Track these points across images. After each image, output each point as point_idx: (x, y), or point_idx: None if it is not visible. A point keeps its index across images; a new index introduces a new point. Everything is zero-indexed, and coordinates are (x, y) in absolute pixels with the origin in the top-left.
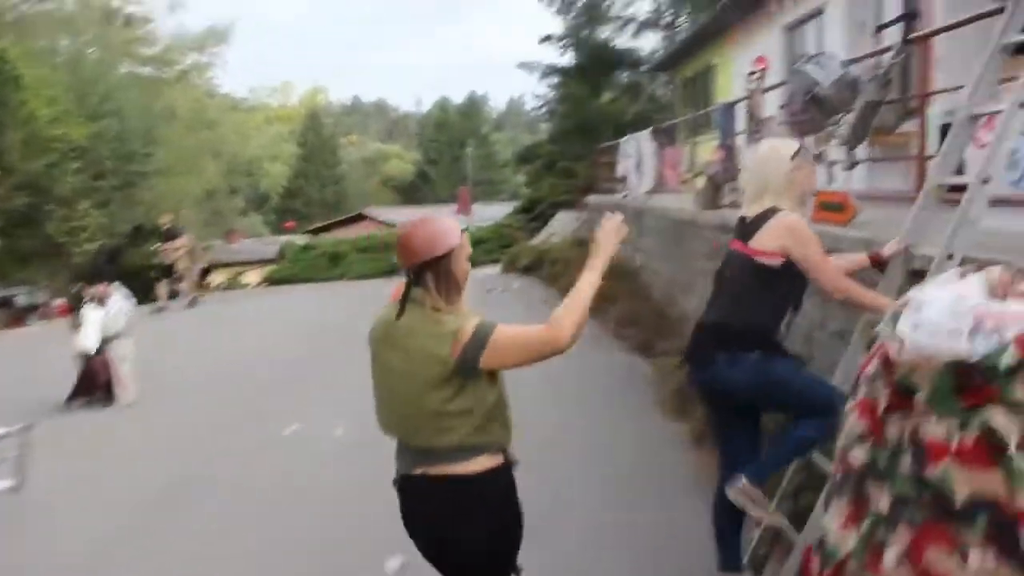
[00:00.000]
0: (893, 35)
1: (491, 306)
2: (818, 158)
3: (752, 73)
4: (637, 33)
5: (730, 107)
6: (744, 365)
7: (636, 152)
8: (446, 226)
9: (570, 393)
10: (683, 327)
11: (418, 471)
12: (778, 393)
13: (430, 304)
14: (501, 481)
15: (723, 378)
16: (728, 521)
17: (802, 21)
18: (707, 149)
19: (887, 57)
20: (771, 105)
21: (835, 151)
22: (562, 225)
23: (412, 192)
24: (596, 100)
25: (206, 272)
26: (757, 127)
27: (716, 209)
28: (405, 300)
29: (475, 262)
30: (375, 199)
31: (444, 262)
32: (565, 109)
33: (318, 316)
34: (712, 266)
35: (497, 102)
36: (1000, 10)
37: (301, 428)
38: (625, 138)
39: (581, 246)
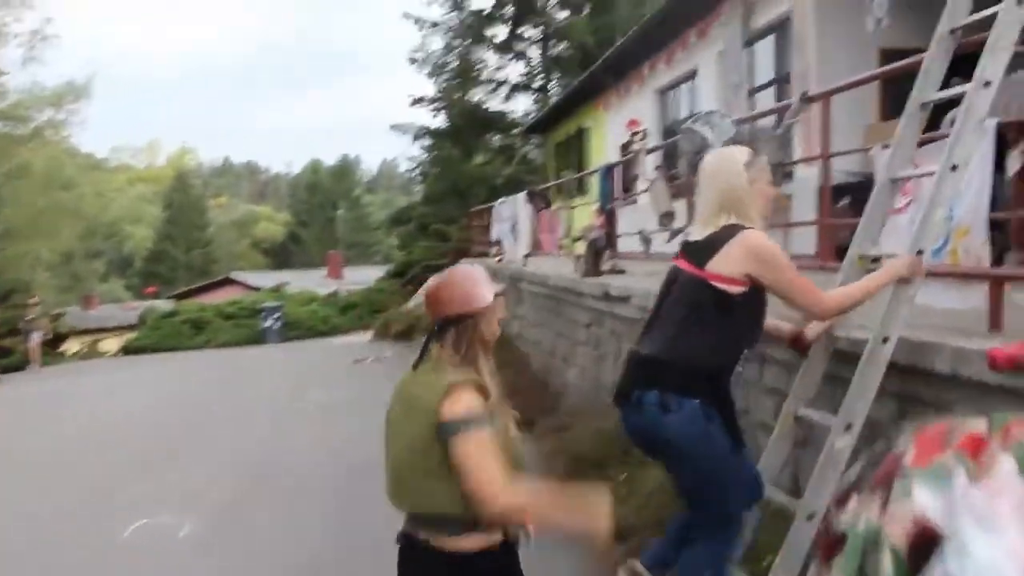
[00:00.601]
0: (765, 98)
1: (360, 378)
2: None
3: (636, 134)
4: (509, 96)
5: (610, 170)
6: (680, 413)
7: (511, 215)
8: (481, 282)
9: None
10: (565, 400)
11: (418, 535)
12: (695, 471)
13: (441, 364)
14: (497, 563)
15: (652, 423)
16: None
17: (675, 84)
18: (584, 213)
19: (786, 116)
20: (650, 166)
21: None
22: None
23: (283, 255)
24: (469, 162)
25: (55, 340)
26: (633, 189)
27: (597, 276)
28: (423, 353)
29: (345, 328)
30: (245, 262)
31: (471, 321)
32: (438, 171)
33: (177, 389)
34: (593, 335)
35: (370, 164)
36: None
37: (146, 525)
38: (499, 200)
39: None
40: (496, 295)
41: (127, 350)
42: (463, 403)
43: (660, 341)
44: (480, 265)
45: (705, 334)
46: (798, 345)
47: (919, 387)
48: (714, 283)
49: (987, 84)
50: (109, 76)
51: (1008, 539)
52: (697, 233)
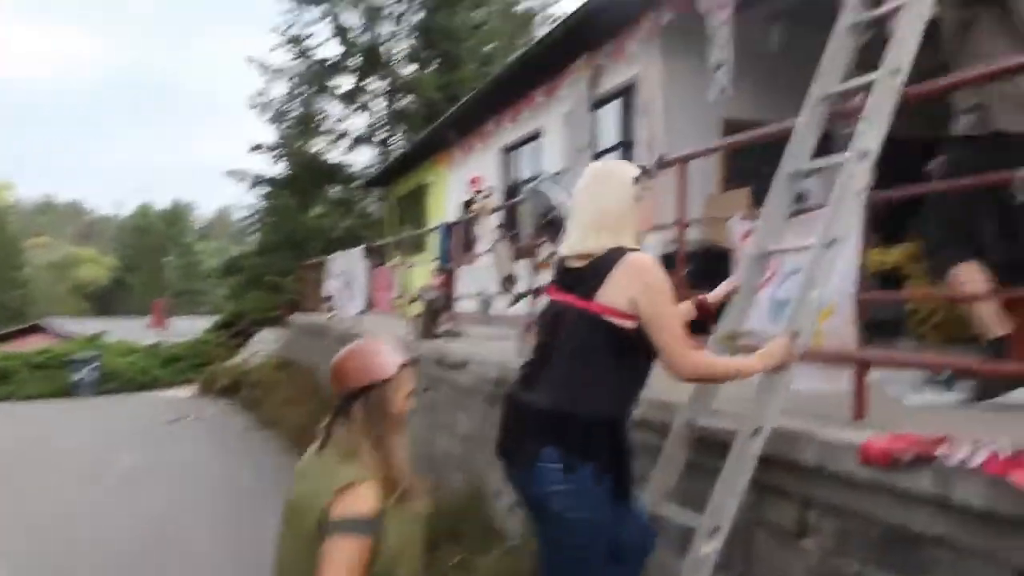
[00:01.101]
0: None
1: (177, 439)
2: None
3: (479, 192)
4: (351, 148)
5: (450, 228)
6: (577, 480)
7: (346, 270)
8: (385, 352)
9: None
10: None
11: None
12: (570, 548)
13: (346, 446)
14: None
15: (547, 486)
16: None
17: (520, 143)
18: (423, 272)
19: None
20: (493, 225)
21: None
22: (265, 344)
23: (107, 300)
24: (306, 213)
25: None
26: (475, 249)
27: (433, 339)
28: (328, 434)
29: (167, 382)
30: (65, 307)
31: (376, 394)
32: (274, 221)
33: None
34: (427, 402)
35: (205, 210)
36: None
37: None
38: (334, 255)
39: (284, 368)
40: (403, 365)
41: None
42: (357, 503)
43: (554, 389)
44: (366, 341)
45: (603, 380)
46: (705, 310)
47: (782, 479)
48: (606, 317)
49: (865, 155)
50: None
51: None
52: (570, 252)
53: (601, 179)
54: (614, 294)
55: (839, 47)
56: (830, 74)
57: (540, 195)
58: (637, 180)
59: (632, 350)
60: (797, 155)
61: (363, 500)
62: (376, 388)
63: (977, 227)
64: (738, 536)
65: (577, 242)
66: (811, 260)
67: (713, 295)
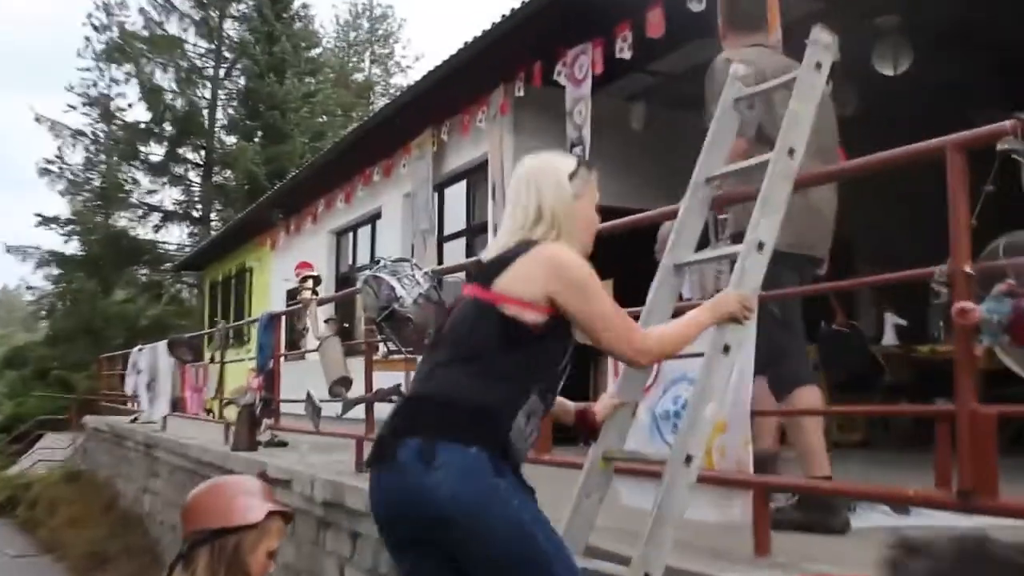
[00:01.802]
0: (456, 248)
1: None
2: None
3: (305, 279)
4: (162, 224)
5: (273, 320)
6: (454, 466)
7: (150, 366)
8: (253, 493)
9: None
10: None
11: None
12: (495, 553)
13: None
14: None
15: (413, 488)
16: None
17: (355, 225)
18: (241, 370)
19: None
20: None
21: None
22: (51, 451)
23: None
24: (107, 298)
25: None
26: (302, 345)
27: (252, 449)
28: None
29: None
30: None
31: (231, 541)
32: (67, 306)
33: None
34: None
35: None
36: None
37: None
38: (137, 348)
39: (74, 480)
40: (272, 514)
41: None
42: None
43: (431, 378)
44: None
45: (483, 370)
46: (585, 424)
47: None
48: (501, 306)
49: (761, 246)
50: None
51: None
52: (493, 255)
53: (534, 173)
54: (517, 282)
55: (724, 125)
56: (714, 154)
57: (379, 283)
58: (574, 175)
59: (525, 348)
60: (680, 245)
61: None
62: (232, 534)
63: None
64: None
65: (503, 245)
66: (703, 368)
67: (599, 408)
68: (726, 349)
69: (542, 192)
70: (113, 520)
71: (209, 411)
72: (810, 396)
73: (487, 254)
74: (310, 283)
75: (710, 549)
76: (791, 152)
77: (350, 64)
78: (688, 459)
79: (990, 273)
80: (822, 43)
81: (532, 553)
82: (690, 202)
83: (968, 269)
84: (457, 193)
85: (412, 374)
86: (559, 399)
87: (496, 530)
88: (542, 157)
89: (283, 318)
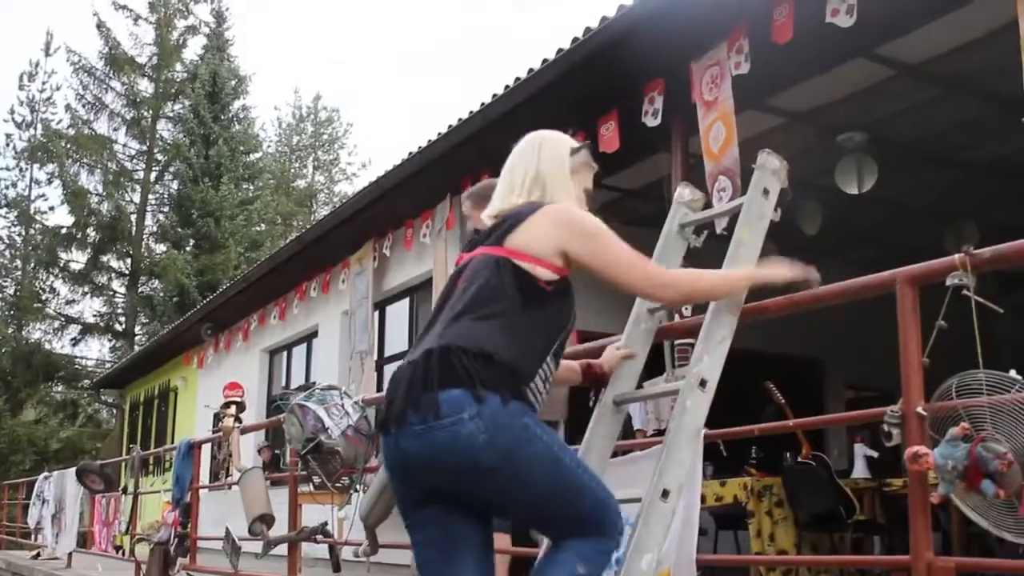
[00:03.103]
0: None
1: None
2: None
3: (227, 405)
4: (80, 338)
5: (193, 448)
6: (492, 415)
7: (57, 495)
8: None
9: None
10: None
11: None
12: (543, 487)
13: None
14: None
15: (454, 436)
16: None
17: (290, 344)
18: (157, 502)
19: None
20: (248, 448)
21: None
22: None
23: None
24: (16, 418)
25: None
26: (227, 475)
27: None
28: None
29: None
30: None
31: None
32: None
33: None
34: None
35: None
36: None
37: None
38: (43, 475)
39: None
40: None
41: None
42: None
43: (446, 331)
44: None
45: (505, 325)
46: (594, 378)
47: None
48: (517, 262)
49: (703, 384)
50: None
51: None
52: (487, 216)
53: (533, 144)
54: (530, 238)
55: (668, 248)
56: None
57: (305, 412)
58: (575, 152)
59: (542, 305)
60: (623, 377)
61: None
62: None
63: None
64: None
65: (498, 207)
66: (640, 516)
67: (605, 360)
68: (665, 494)
69: (541, 158)
70: None
71: (119, 548)
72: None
73: (487, 216)
74: (233, 409)
75: None
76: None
77: (292, 170)
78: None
79: (944, 414)
80: (769, 168)
81: (566, 481)
82: (632, 333)
83: (921, 410)
84: (399, 311)
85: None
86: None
87: (534, 470)
88: (544, 132)
89: (204, 446)
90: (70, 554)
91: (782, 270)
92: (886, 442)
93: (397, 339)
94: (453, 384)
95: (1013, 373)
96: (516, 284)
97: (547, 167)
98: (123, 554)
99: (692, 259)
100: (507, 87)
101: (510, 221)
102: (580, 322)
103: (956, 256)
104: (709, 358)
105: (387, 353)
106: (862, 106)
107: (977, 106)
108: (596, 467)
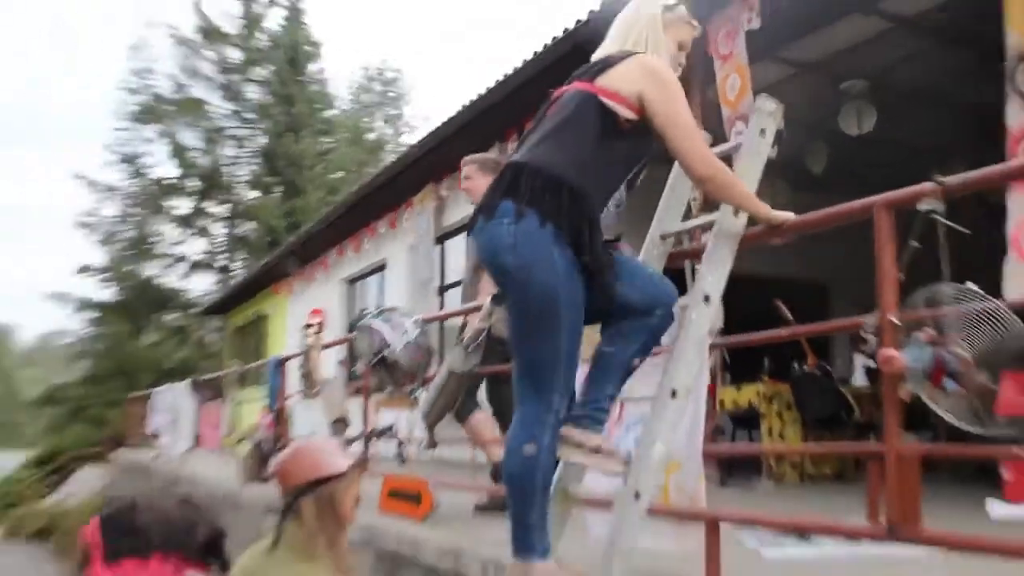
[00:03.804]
0: (456, 296)
1: None
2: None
3: (308, 326)
4: (188, 273)
5: (281, 363)
6: (526, 229)
7: (172, 405)
8: (333, 451)
9: None
10: None
11: None
12: (536, 310)
13: (300, 545)
14: None
15: (495, 238)
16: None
17: (364, 275)
18: (254, 409)
19: (473, 323)
20: (330, 362)
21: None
22: (86, 483)
23: None
24: (138, 341)
25: None
26: (313, 387)
27: (262, 483)
28: (279, 533)
29: None
30: None
31: (325, 490)
32: (102, 348)
33: None
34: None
35: (27, 335)
36: None
37: None
38: (160, 388)
39: None
40: (353, 466)
41: None
42: None
43: (527, 151)
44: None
45: (577, 147)
46: None
47: None
48: (603, 99)
49: (707, 299)
50: None
51: None
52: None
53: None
54: (618, 80)
55: (679, 182)
56: (670, 212)
57: (372, 332)
58: (669, 8)
59: (618, 139)
60: (670, 212)
61: None
62: (326, 484)
63: None
64: None
65: (600, 53)
66: (652, 412)
67: None
68: (673, 394)
69: (639, 12)
70: None
71: (225, 448)
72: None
73: (594, 58)
74: (312, 330)
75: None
76: (737, 210)
77: (363, 124)
78: (636, 495)
79: (913, 323)
80: (766, 110)
81: (551, 322)
82: (646, 257)
83: (894, 319)
84: (457, 245)
85: (416, 403)
86: None
87: (533, 288)
88: None
89: (290, 362)
90: (184, 454)
91: (781, 215)
92: (861, 347)
93: (455, 269)
94: (509, 196)
95: (970, 285)
96: (598, 119)
97: (642, 21)
98: (228, 453)
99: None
100: (546, 45)
101: (603, 64)
102: None
103: (926, 184)
104: (712, 277)
105: (447, 281)
106: (863, 56)
107: (965, 55)
108: None
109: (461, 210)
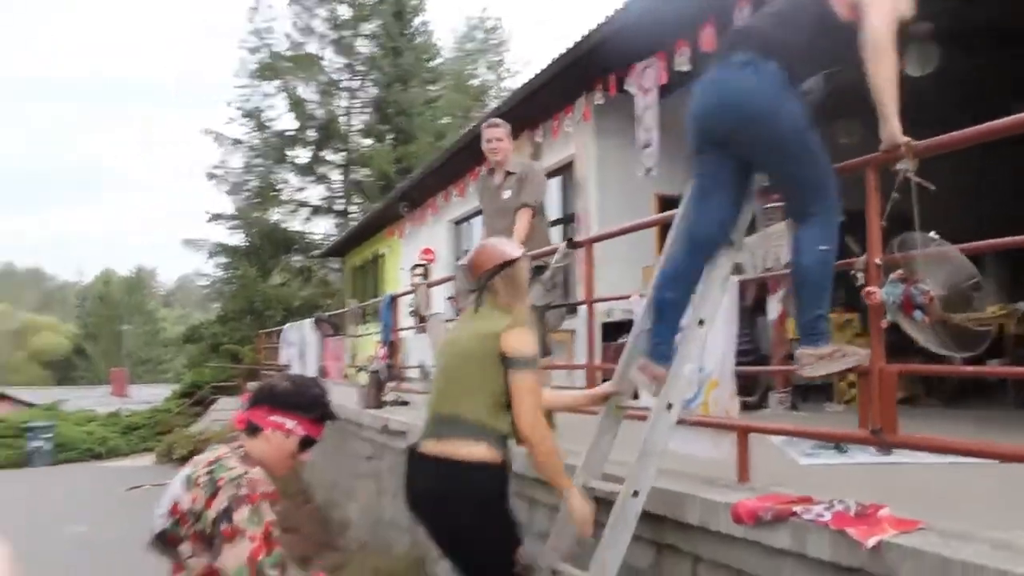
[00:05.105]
0: (552, 236)
1: (133, 509)
2: None
3: (416, 266)
4: (310, 217)
5: (393, 300)
6: (768, 76)
7: (299, 340)
8: (508, 243)
9: None
10: (347, 536)
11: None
12: (795, 143)
13: (499, 303)
14: (493, 477)
15: (726, 83)
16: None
17: (469, 216)
18: (371, 342)
19: (553, 260)
20: (439, 299)
21: None
22: (224, 412)
23: (66, 368)
24: (266, 282)
25: None
26: (423, 322)
27: (378, 407)
28: (479, 302)
29: (126, 451)
30: (21, 375)
31: (509, 269)
32: (233, 289)
33: None
34: (374, 468)
35: (167, 277)
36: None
37: None
38: (288, 325)
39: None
40: (523, 254)
41: None
42: (523, 342)
43: (754, 20)
44: None
45: (795, 30)
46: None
47: (675, 537)
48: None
49: (731, 243)
50: None
51: None
52: None
53: None
54: None
55: None
56: None
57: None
58: None
59: (831, 31)
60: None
61: (528, 342)
62: (510, 265)
63: None
64: None
65: None
66: (683, 337)
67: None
68: (700, 323)
69: None
70: None
71: (346, 376)
72: None
73: None
74: (419, 270)
75: (704, 478)
76: None
77: (467, 71)
78: (668, 406)
79: (891, 265)
80: None
81: (808, 149)
82: None
83: (877, 261)
84: (551, 187)
85: None
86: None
87: (784, 121)
88: None
89: (401, 298)
90: None
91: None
92: (856, 284)
93: (550, 210)
94: (750, 49)
95: (932, 234)
96: (818, 10)
97: None
98: (348, 381)
99: None
100: (627, 1)
101: None
102: (668, 185)
103: (901, 147)
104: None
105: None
106: None
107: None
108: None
109: (556, 154)
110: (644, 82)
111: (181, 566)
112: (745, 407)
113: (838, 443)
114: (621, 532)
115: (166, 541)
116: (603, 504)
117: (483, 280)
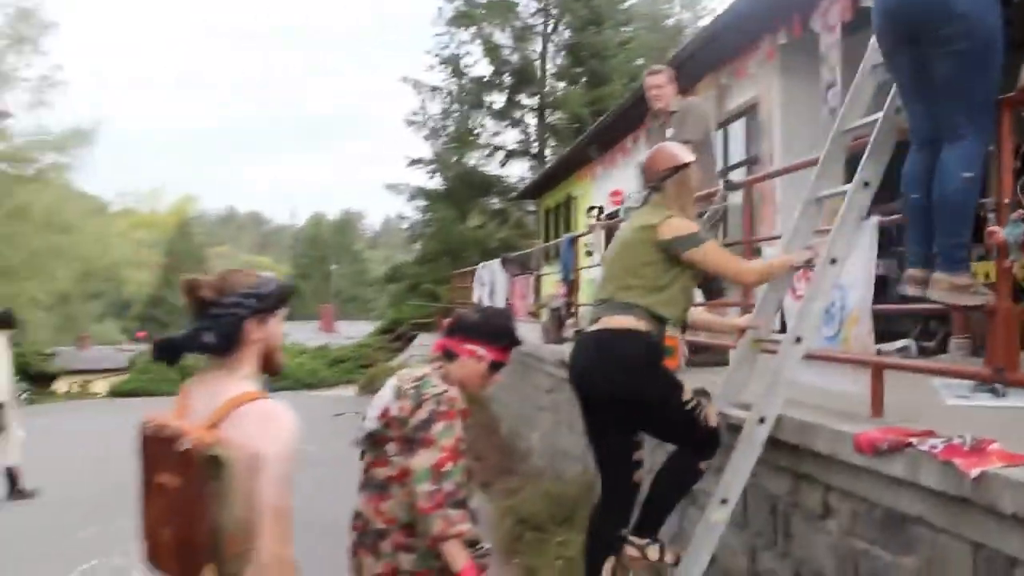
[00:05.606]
0: (737, 177)
1: (339, 431)
2: None
3: (591, 208)
4: (505, 161)
5: (572, 241)
6: None
7: (490, 280)
8: (680, 148)
9: None
10: (527, 463)
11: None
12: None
13: (667, 204)
14: (640, 342)
15: None
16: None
17: None
18: (553, 281)
19: (716, 199)
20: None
21: None
22: (423, 348)
23: None
24: (462, 224)
25: (45, 379)
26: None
27: (558, 343)
28: (646, 201)
29: (332, 382)
30: None
31: (681, 174)
32: (432, 232)
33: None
34: (553, 401)
35: (373, 220)
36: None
37: (95, 566)
38: (480, 265)
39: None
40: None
41: (115, 393)
42: (683, 225)
43: None
44: None
45: None
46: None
47: (808, 466)
48: None
49: (866, 184)
50: (116, 127)
51: None
52: None
53: None
54: None
55: (861, 85)
56: (853, 109)
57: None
58: None
59: None
60: (820, 182)
61: (687, 225)
62: (682, 169)
63: None
64: (779, 519)
65: None
66: (815, 275)
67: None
68: (833, 261)
69: None
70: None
71: (531, 314)
72: None
73: None
74: (595, 212)
75: (840, 411)
76: (898, 110)
77: (661, 10)
78: (798, 340)
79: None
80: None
81: (990, 63)
82: (831, 148)
83: (1006, 201)
84: (737, 130)
85: None
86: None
87: (982, 29)
88: None
89: (581, 239)
90: None
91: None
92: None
93: (736, 152)
94: None
95: None
96: None
97: None
98: (533, 317)
99: None
100: None
101: None
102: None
103: None
104: (872, 165)
105: (729, 163)
106: None
107: None
108: (802, 242)
109: (741, 96)
110: (829, 19)
111: (384, 461)
112: (923, 352)
113: (993, 386)
114: (746, 458)
115: (375, 440)
116: (736, 430)
117: (655, 181)
